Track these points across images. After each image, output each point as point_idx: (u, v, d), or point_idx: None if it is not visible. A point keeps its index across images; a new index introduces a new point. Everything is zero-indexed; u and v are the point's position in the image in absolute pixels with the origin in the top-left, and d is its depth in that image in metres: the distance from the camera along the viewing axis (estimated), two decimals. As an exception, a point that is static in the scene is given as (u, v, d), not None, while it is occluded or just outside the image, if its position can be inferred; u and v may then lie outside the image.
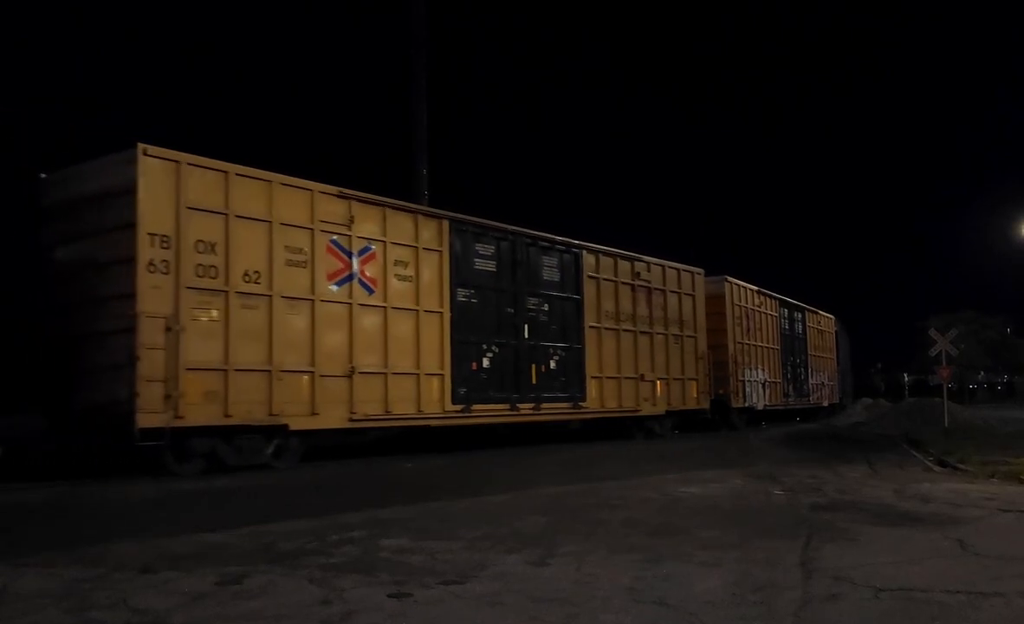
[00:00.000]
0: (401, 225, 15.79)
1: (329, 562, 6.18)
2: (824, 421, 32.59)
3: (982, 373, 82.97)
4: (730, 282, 26.95)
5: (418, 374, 15.73)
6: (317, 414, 13.84)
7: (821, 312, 37.14)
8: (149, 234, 11.89)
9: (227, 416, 12.56)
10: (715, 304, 25.64)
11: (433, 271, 16.32)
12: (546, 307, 18.89)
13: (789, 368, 32.36)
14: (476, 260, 17.38)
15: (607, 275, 20.74)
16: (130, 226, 11.84)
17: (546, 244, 19.14)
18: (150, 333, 11.70)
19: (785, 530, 7.59)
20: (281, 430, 13.39)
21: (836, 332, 41.19)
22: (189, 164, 12.45)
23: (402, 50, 27.11)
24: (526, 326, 18.26)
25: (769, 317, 30.33)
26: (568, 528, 7.70)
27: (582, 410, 19.61)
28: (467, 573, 5.84)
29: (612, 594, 5.29)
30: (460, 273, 16.87)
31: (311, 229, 14.03)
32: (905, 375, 74.78)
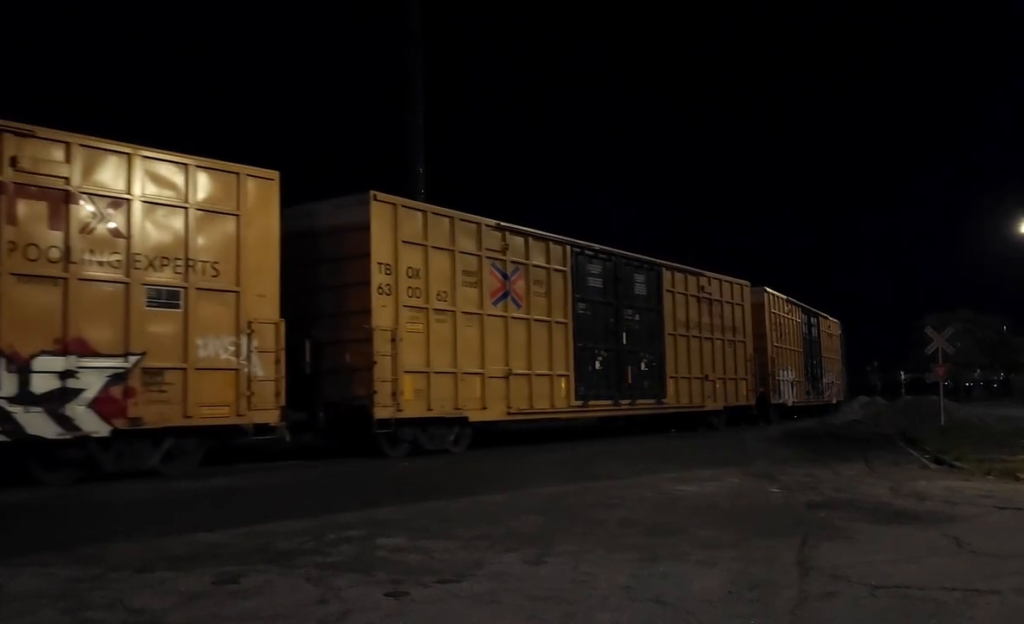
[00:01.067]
0: (538, 249, 18.91)
1: (326, 561, 6.18)
2: (819, 419, 32.68)
3: (978, 371, 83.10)
4: (768, 293, 30.43)
5: (551, 375, 18.84)
6: (486, 408, 16.99)
7: (829, 317, 40.48)
8: (378, 263, 14.99)
9: (429, 410, 15.75)
10: (756, 312, 29.10)
11: (559, 288, 19.43)
12: (637, 317, 22.15)
13: (809, 368, 35.96)
14: (589, 278, 20.50)
15: (680, 289, 24.13)
16: (365, 256, 14.88)
17: (636, 263, 22.40)
18: (381, 343, 14.82)
19: (782, 529, 7.61)
20: (461, 421, 16.63)
21: (839, 335, 43.97)
22: (403, 206, 15.83)
23: (400, 49, 27.10)
24: (624, 334, 21.42)
25: (795, 323, 34.09)
26: (565, 527, 7.71)
27: (664, 406, 22.95)
28: (464, 572, 5.84)
29: (609, 593, 5.30)
30: (579, 289, 20.01)
31: (479, 255, 17.20)
32: (902, 373, 74.95)
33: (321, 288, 15.28)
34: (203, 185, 12.78)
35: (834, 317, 43.10)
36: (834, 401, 40.41)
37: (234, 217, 13.05)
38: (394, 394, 14.91)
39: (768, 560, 6.23)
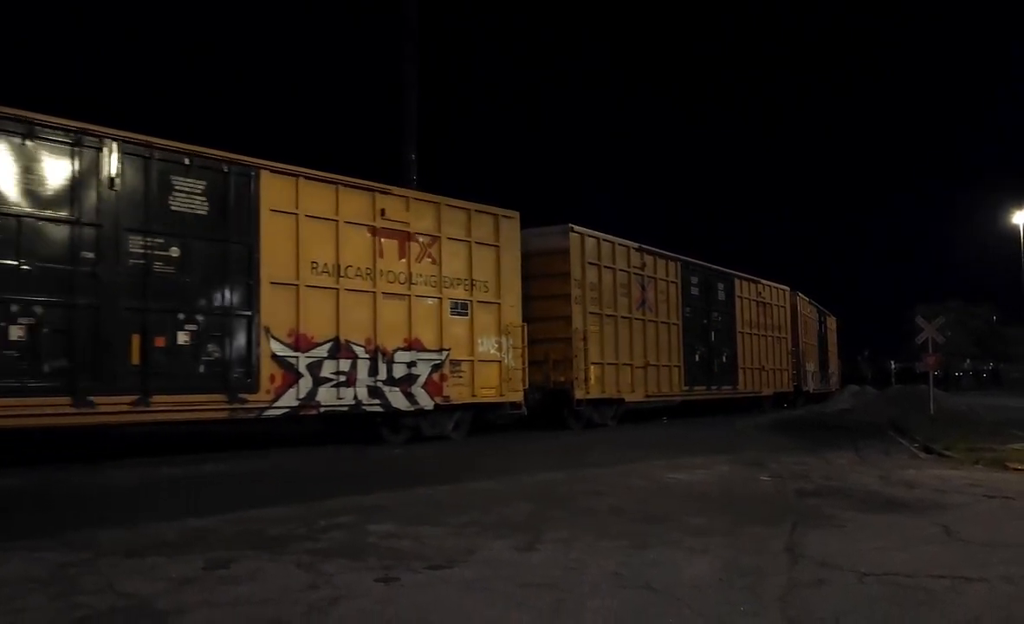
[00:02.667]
0: (660, 266, 23.49)
1: (316, 547, 6.18)
2: (808, 407, 32.84)
3: (968, 361, 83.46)
4: (799, 296, 34.55)
5: (670, 366, 23.60)
6: (634, 392, 21.79)
7: (831, 314, 44.28)
8: (574, 279, 19.66)
9: (603, 392, 20.45)
10: (791, 311, 33.89)
11: (673, 296, 24.06)
12: (719, 319, 26.91)
13: (821, 360, 40.40)
14: (691, 287, 25.31)
15: (745, 295, 28.88)
16: (566, 274, 19.56)
17: (718, 274, 27.27)
18: (577, 341, 19.45)
19: (772, 516, 7.64)
20: (619, 402, 21.36)
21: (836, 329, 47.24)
22: (587, 235, 20.26)
23: (395, 41, 27.04)
24: (712, 333, 26.26)
25: (812, 321, 38.16)
26: (555, 515, 7.72)
27: (736, 392, 27.84)
28: (454, 558, 5.85)
29: (599, 579, 5.32)
30: (685, 297, 24.72)
31: (628, 272, 21.87)
32: (892, 362, 75.18)
33: (527, 298, 18.34)
34: (477, 224, 17.02)
35: (827, 307, 43.70)
36: (834, 389, 44.17)
37: (495, 247, 17.38)
38: (585, 380, 19.60)
39: (758, 547, 6.25)
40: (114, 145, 11.84)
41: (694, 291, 25.40)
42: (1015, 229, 47.82)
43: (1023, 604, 4.93)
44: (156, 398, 11.96)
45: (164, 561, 5.71)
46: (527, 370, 17.84)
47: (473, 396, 16.58)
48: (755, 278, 29.90)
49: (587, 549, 6.17)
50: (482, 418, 17.63)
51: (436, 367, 15.86)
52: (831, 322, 44.29)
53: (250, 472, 11.54)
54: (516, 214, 17.93)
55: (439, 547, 6.24)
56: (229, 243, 12.99)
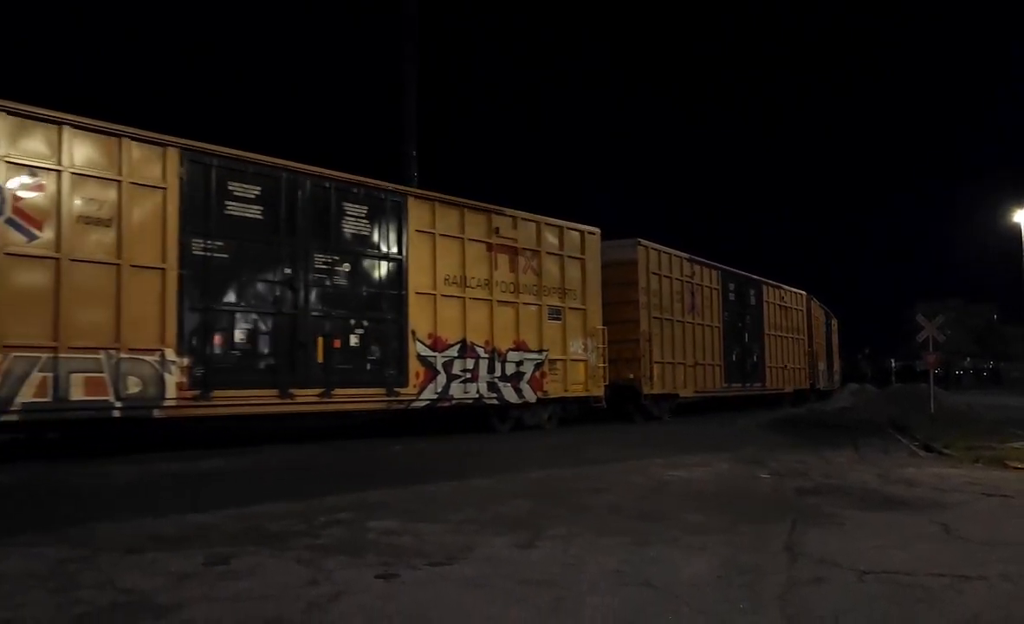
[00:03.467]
0: (705, 274, 26.03)
1: (316, 543, 6.19)
2: (809, 406, 32.88)
3: (968, 359, 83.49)
4: (813, 300, 37.14)
5: (713, 364, 26.03)
6: (686, 387, 24.17)
7: (833, 315, 45.70)
8: (641, 287, 21.98)
9: (663, 388, 22.78)
10: (807, 315, 36.61)
11: (715, 301, 26.56)
12: (750, 322, 29.39)
13: (828, 359, 42.43)
14: (729, 294, 27.71)
15: (770, 299, 31.52)
16: (635, 283, 21.93)
17: (749, 281, 29.73)
18: (644, 342, 21.82)
19: (771, 514, 7.64)
20: (674, 397, 23.67)
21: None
22: (652, 248, 22.61)
23: (395, 39, 27.06)
24: (745, 335, 28.89)
25: (822, 322, 40.26)
26: (555, 512, 7.73)
27: (764, 389, 30.66)
28: (454, 555, 5.86)
29: (599, 577, 5.33)
30: (724, 302, 27.22)
31: (682, 280, 24.32)
32: (892, 361, 75.20)
33: (611, 302, 20.76)
34: (568, 239, 19.42)
35: (828, 305, 43.84)
36: (837, 386, 45.71)
37: (581, 260, 19.72)
38: (650, 377, 22.05)
39: (757, 545, 6.26)
40: (307, 182, 14.30)
41: (731, 297, 27.92)
42: (1015, 228, 47.74)
43: (1022, 603, 4.94)
44: (336, 391, 14.42)
45: (164, 557, 5.72)
46: (606, 367, 20.23)
47: (565, 391, 19.14)
48: (778, 284, 32.59)
49: (586, 546, 6.18)
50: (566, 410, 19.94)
51: (538, 365, 18.43)
52: (834, 323, 45.61)
53: (250, 468, 11.54)
54: (598, 230, 20.36)
55: (439, 544, 6.25)
56: (385, 259, 15.47)
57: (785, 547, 6.21)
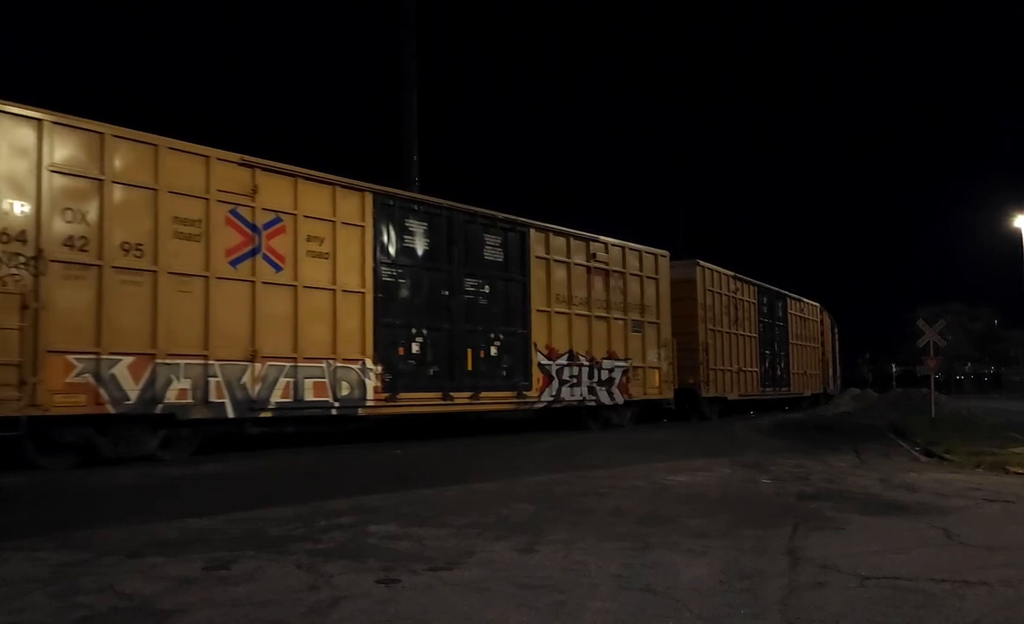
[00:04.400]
0: (746, 290, 29.57)
1: (317, 548, 6.18)
2: (809, 411, 32.91)
3: (969, 364, 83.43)
4: (825, 311, 40.85)
5: (751, 370, 29.58)
6: (732, 391, 27.71)
7: (834, 322, 47.87)
8: (699, 303, 25.32)
9: (716, 392, 26.37)
10: (821, 325, 40.73)
11: (752, 313, 30.04)
12: (778, 332, 32.99)
13: (834, 364, 45.83)
14: (763, 307, 31.46)
15: (793, 311, 35.01)
16: (694, 299, 25.23)
17: (778, 295, 33.34)
18: (702, 352, 25.22)
19: (772, 519, 7.63)
20: (723, 399, 27.13)
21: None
22: (707, 268, 26.18)
23: (394, 38, 27.06)
24: (775, 344, 32.50)
25: (828, 330, 43.02)
26: (556, 516, 7.72)
27: (791, 393, 34.20)
28: (455, 560, 5.85)
29: (599, 581, 5.32)
30: (759, 315, 30.90)
31: (728, 295, 27.89)
32: (893, 365, 75.15)
33: (676, 316, 23.72)
34: (646, 262, 22.43)
35: (828, 308, 44.05)
36: (839, 389, 48.12)
37: (655, 279, 22.77)
38: (706, 383, 25.44)
39: (758, 550, 6.25)
40: (460, 217, 17.18)
41: (764, 310, 31.35)
42: (1016, 232, 47.72)
43: None
44: (482, 394, 17.28)
45: (164, 561, 5.71)
46: (675, 373, 23.52)
47: (644, 394, 22.13)
48: (799, 297, 36.01)
49: (588, 550, 6.17)
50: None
51: (624, 372, 21.29)
52: (836, 331, 46.97)
53: (251, 472, 11.54)
54: (667, 253, 23.49)
55: (440, 548, 6.24)
56: (513, 282, 18.29)
57: (786, 551, 6.20)
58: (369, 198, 15.38)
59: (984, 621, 4.63)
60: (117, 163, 11.98)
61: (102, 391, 11.55)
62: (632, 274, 21.74)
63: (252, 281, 13.42)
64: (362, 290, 15.12)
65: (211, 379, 12.75)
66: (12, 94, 11.22)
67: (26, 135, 11.12)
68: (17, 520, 7.68)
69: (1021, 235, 47.10)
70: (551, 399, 18.94)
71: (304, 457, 13.57)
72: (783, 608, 4.78)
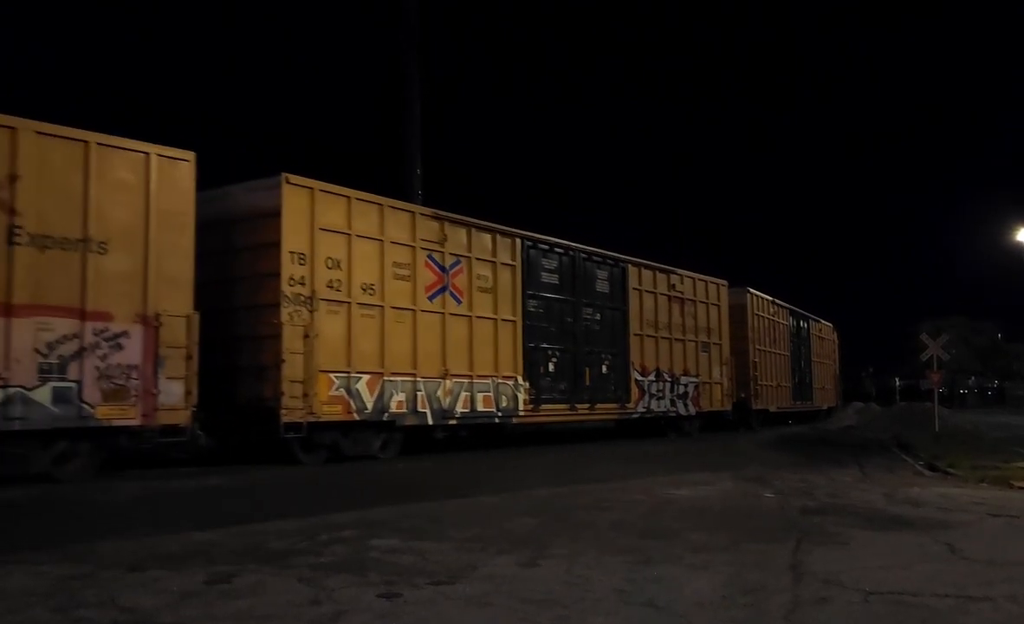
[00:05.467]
0: (782, 313, 33.06)
1: (319, 562, 6.17)
2: (812, 424, 32.92)
3: (972, 378, 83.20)
4: (834, 330, 43.55)
5: (785, 386, 32.45)
6: (772, 404, 30.66)
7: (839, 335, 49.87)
8: (750, 326, 28.65)
9: (763, 404, 29.58)
10: (836, 344, 44.88)
11: (786, 334, 33.28)
12: (804, 352, 36.04)
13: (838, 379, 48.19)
14: (801, 329, 35.88)
15: (814, 333, 38.15)
16: (745, 322, 28.22)
17: (805, 317, 36.64)
18: (752, 369, 28.40)
19: (775, 533, 7.61)
20: (766, 411, 29.67)
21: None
22: (755, 295, 29.39)
23: (395, 48, 27.11)
24: (802, 361, 35.59)
25: (836, 346, 45.17)
26: (558, 530, 7.71)
27: (813, 406, 36.86)
28: (457, 574, 5.83)
29: (602, 596, 5.30)
30: (791, 335, 34.03)
31: (769, 317, 31.14)
32: (896, 379, 74.91)
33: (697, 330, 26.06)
34: (709, 289, 25.54)
35: (830, 321, 44.25)
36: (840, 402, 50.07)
37: (717, 306, 25.95)
38: (757, 396, 28.88)
39: (761, 565, 6.23)
40: (579, 255, 20.34)
41: (794, 330, 34.47)
42: (1019, 246, 47.69)
43: (1028, 624, 4.91)
44: (596, 406, 20.48)
45: (166, 574, 5.70)
46: (731, 386, 26.64)
47: (710, 406, 25.30)
48: (818, 318, 39.10)
49: (590, 565, 6.15)
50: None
51: (696, 387, 24.45)
52: (840, 343, 47.71)
53: (253, 485, 11.54)
54: (726, 282, 26.68)
55: (442, 562, 6.22)
56: (617, 310, 21.41)
57: (790, 566, 6.17)
58: (519, 242, 18.64)
59: (989, 637, 4.61)
60: (358, 222, 14.92)
61: (351, 402, 14.53)
62: (700, 301, 25.03)
63: (442, 313, 16.51)
64: (514, 319, 18.29)
65: (418, 393, 15.79)
66: (13, 94, 11.40)
67: (304, 198, 14.11)
68: (18, 532, 7.67)
69: (1025, 249, 47.02)
70: (644, 410, 22.13)
71: (304, 471, 13.54)
72: (786, 623, 4.76)
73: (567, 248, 20.01)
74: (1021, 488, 11.20)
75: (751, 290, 28.93)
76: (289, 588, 5.40)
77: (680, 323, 23.90)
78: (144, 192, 11.75)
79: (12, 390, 10.43)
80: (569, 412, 19.81)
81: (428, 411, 16.00)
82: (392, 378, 15.26)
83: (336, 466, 14.01)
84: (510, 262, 18.31)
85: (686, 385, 23.94)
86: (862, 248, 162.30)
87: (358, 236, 14.84)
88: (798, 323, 35.29)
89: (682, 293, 24.13)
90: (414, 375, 15.70)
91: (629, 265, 21.94)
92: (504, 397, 17.75)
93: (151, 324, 11.68)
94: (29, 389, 10.58)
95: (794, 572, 5.99)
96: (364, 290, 14.89)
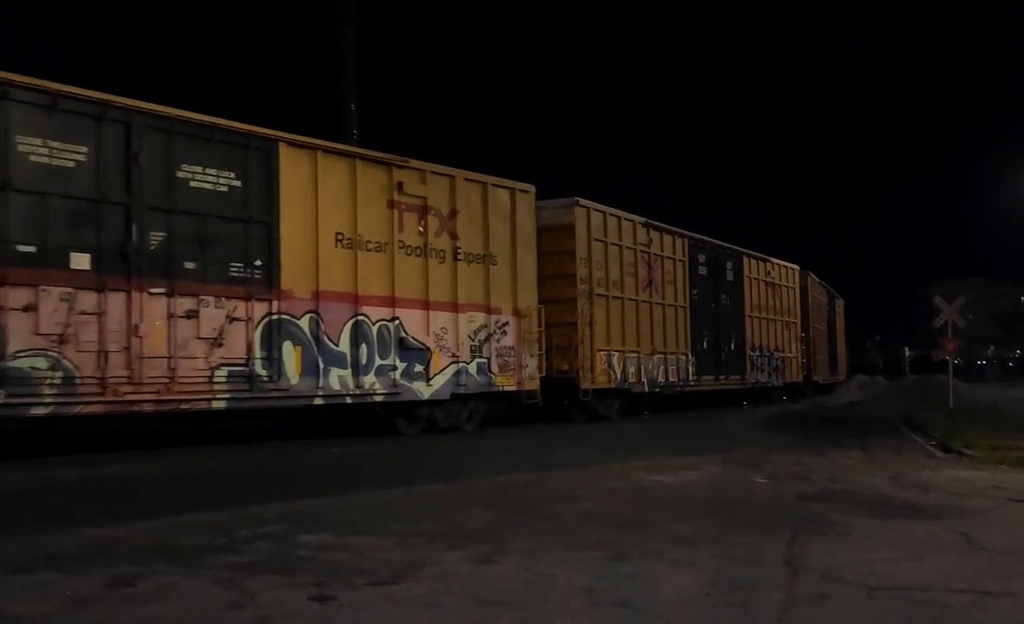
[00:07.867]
0: (823, 290, 43.03)
1: (239, 561, 6.12)
2: (811, 401, 33.31)
3: (992, 347, 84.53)
4: (810, 276, 42.69)
5: (822, 359, 41.65)
6: (825, 374, 41.98)
7: (839, 298, 51.34)
8: (805, 311, 37.27)
9: (819, 377, 40.15)
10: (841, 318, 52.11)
11: (826, 314, 42.98)
12: (824, 331, 42.61)
13: (831, 347, 49.50)
14: (824, 306, 43.13)
15: (839, 310, 48.64)
16: (807, 303, 37.77)
17: (831, 292, 46.05)
18: (811, 345, 38.21)
19: (768, 523, 7.67)
20: (798, 383, 35.95)
21: None
22: (813, 279, 38.99)
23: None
24: (833, 337, 45.66)
25: (823, 305, 44.93)
26: (519, 522, 7.72)
27: (839, 378, 46.01)
28: (401, 573, 5.82)
29: (569, 596, 5.31)
30: (826, 314, 43.47)
31: (799, 296, 38.15)
32: (906, 349, 75.89)
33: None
34: (787, 273, 34.31)
35: (834, 285, 45.50)
36: (841, 377, 52.07)
37: (792, 287, 34.59)
38: (814, 369, 38.48)
39: (752, 559, 6.28)
40: (716, 249, 28.52)
41: (828, 305, 43.33)
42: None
43: (1052, 621, 5.00)
44: (730, 377, 28.90)
45: (58, 577, 5.62)
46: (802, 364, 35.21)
47: (789, 378, 34.05)
48: (765, 256, 40.98)
49: (556, 561, 6.16)
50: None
51: (782, 360, 33.21)
52: (839, 305, 50.01)
53: (165, 474, 11.42)
54: (798, 267, 35.40)
55: (383, 560, 6.20)
56: (736, 296, 29.59)
57: (784, 560, 6.23)
58: (686, 241, 26.24)
59: (1008, 636, 4.69)
60: (612, 231, 22.39)
61: (612, 373, 22.07)
62: (785, 285, 33.59)
63: (649, 301, 23.88)
64: (684, 305, 25.90)
65: (642, 366, 23.26)
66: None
67: (584, 215, 21.40)
68: None
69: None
70: (754, 381, 30.47)
71: (225, 456, 13.45)
72: (780, 624, 4.82)
73: (709, 244, 27.78)
74: (1045, 470, 11.38)
75: (811, 274, 37.37)
76: (204, 590, 5.34)
77: (773, 305, 32.24)
78: (511, 217, 18.70)
79: (460, 365, 17.41)
80: (715, 382, 27.86)
81: (645, 381, 23.42)
82: (629, 354, 22.73)
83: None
84: (680, 257, 25.85)
85: (778, 359, 32.63)
86: (870, 205, 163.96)
87: (612, 244, 22.18)
88: (832, 300, 44.96)
89: (775, 278, 32.64)
90: (637, 353, 23.10)
91: (744, 256, 30.17)
92: (680, 369, 25.41)
93: (520, 316, 18.74)
94: (467, 363, 17.60)
95: (789, 566, 6.05)
96: (614, 285, 22.17)
